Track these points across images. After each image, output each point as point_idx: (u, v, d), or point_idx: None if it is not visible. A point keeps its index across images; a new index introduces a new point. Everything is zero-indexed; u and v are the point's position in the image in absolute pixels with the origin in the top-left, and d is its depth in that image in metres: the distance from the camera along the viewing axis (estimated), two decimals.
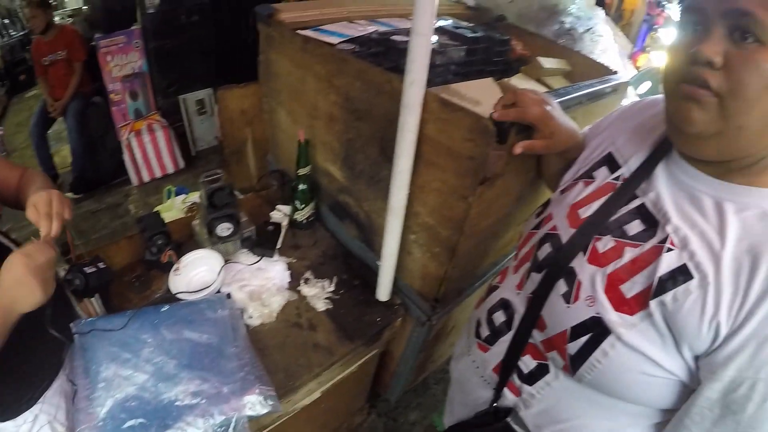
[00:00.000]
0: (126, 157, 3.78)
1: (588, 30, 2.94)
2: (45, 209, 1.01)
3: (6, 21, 7.67)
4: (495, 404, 1.01)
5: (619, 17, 6.55)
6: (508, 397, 0.98)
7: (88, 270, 1.20)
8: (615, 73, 1.61)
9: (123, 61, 3.73)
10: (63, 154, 4.41)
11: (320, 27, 1.59)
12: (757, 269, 0.62)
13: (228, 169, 2.88)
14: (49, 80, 3.83)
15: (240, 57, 3.76)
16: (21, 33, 7.47)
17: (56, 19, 3.90)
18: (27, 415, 1.11)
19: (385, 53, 1.44)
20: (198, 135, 4.31)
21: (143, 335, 1.24)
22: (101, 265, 1.24)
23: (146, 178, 3.94)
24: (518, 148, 0.98)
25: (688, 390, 0.72)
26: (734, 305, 0.63)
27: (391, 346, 1.73)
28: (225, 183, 1.40)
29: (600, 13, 3.10)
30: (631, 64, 4.11)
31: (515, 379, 0.96)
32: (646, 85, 3.86)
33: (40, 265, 0.90)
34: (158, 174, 3.98)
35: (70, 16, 5.54)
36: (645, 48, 5.03)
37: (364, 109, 1.29)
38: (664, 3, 5.56)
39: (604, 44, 3.01)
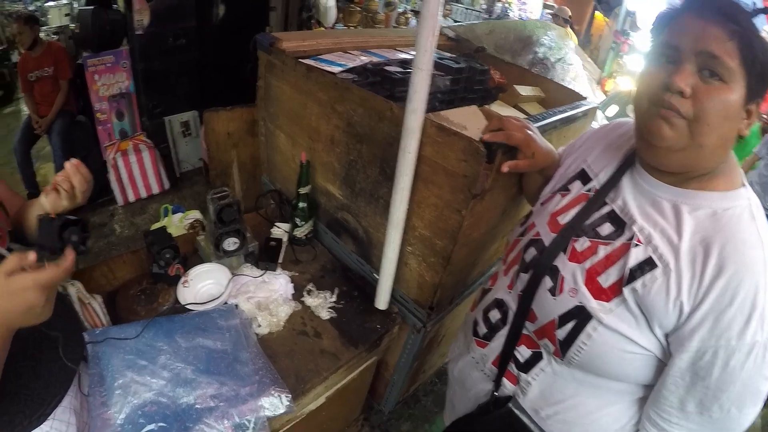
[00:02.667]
0: (112, 177, 3.77)
1: (559, 59, 3.12)
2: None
3: None
4: (495, 393, 1.12)
5: (587, 41, 6.86)
6: (507, 386, 1.09)
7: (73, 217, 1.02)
8: (585, 98, 1.76)
9: (110, 80, 3.75)
10: (43, 173, 4.37)
11: (318, 56, 1.71)
12: (709, 256, 0.77)
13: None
14: (35, 97, 3.82)
15: (225, 81, 3.84)
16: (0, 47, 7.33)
17: (41, 35, 3.89)
18: None
19: (381, 82, 1.57)
20: (182, 156, 4.31)
21: (158, 343, 1.28)
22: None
23: (132, 198, 3.92)
24: (505, 167, 1.13)
25: (662, 366, 0.85)
26: (693, 287, 0.77)
27: (386, 356, 1.82)
28: (233, 200, 1.48)
29: (570, 43, 3.30)
30: (600, 89, 4.35)
31: (513, 369, 1.07)
32: (613, 109, 4.08)
33: (53, 293, 0.88)
34: (144, 194, 3.97)
35: (54, 33, 5.51)
36: (612, 74, 5.31)
37: (366, 133, 1.40)
38: (628, 32, 5.88)
39: (575, 72, 3.19)
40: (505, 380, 1.10)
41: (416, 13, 4.85)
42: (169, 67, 3.94)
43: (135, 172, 3.83)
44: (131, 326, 1.33)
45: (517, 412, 1.07)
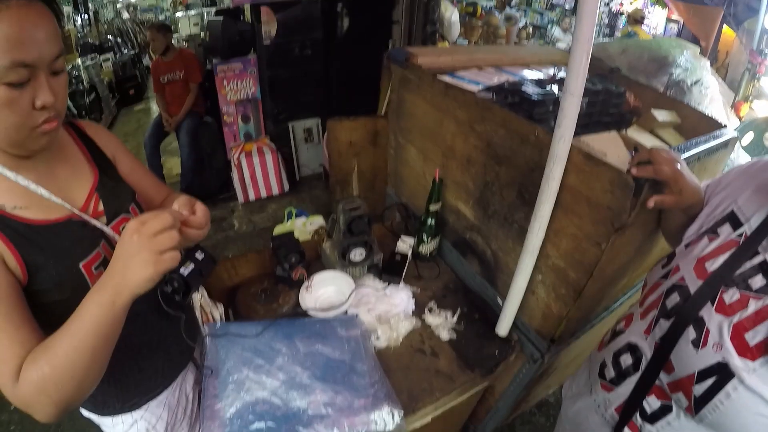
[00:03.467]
0: (234, 176, 4.00)
1: (696, 82, 2.92)
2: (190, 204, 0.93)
3: (119, 40, 8.35)
4: None
5: (714, 59, 6.35)
6: None
7: (185, 270, 0.92)
8: (724, 126, 1.62)
9: (238, 86, 3.98)
10: (168, 166, 4.74)
11: (454, 73, 1.69)
12: None
13: (332, 197, 3.02)
14: (166, 97, 4.14)
15: (348, 91, 3.95)
16: (132, 52, 8.08)
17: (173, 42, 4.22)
18: (126, 417, 1.17)
19: (520, 103, 1.53)
20: (303, 161, 4.50)
21: (277, 345, 1.31)
22: (199, 255, 0.96)
23: (252, 197, 4.14)
24: (651, 202, 1.04)
25: None
26: None
27: (494, 382, 1.76)
28: (364, 212, 1.50)
29: (706, 64, 3.07)
30: (734, 114, 4.00)
31: (637, 418, 1.00)
32: (749, 137, 3.73)
33: (153, 232, 0.75)
34: (264, 194, 4.18)
35: (185, 40, 5.97)
36: (747, 97, 4.85)
37: (505, 155, 1.37)
38: (765, 51, 5.35)
39: (711, 94, 2.97)
40: (626, 429, 1.03)
41: (536, 28, 4.76)
42: (294, 76, 4.12)
43: (257, 172, 4.04)
44: (252, 325, 1.37)
45: None
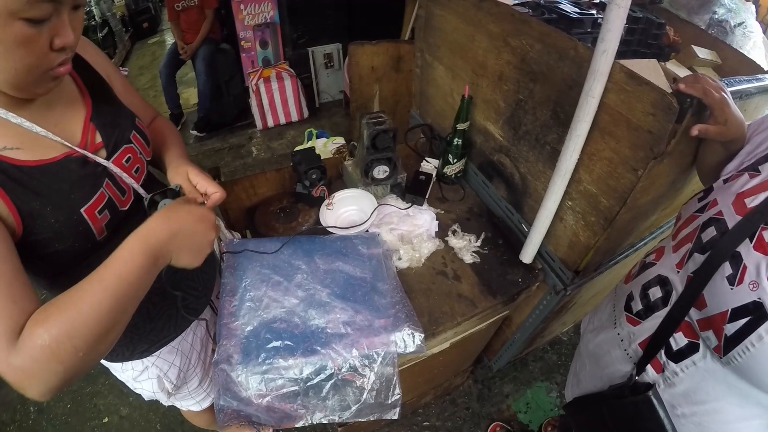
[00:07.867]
0: (253, 102, 3.94)
1: (740, 24, 2.78)
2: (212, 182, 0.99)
3: None
4: (636, 378, 1.04)
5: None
6: (649, 374, 1.01)
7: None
8: (767, 72, 1.53)
9: (255, 10, 3.86)
10: (185, 96, 4.68)
11: None
12: None
13: (352, 124, 2.96)
14: (181, 25, 3.99)
15: (370, 15, 3.81)
16: None
17: None
18: (136, 364, 1.15)
19: (556, 21, 1.45)
20: (323, 87, 4.42)
21: (296, 261, 1.27)
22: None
23: (270, 123, 4.10)
24: (695, 130, 1.00)
25: None
26: None
27: (512, 313, 1.74)
28: (389, 126, 1.43)
29: (751, 8, 2.92)
30: None
31: (661, 356, 0.98)
32: None
33: (211, 241, 0.85)
34: (282, 121, 4.13)
35: None
36: None
37: (541, 72, 1.28)
38: None
39: (755, 39, 2.83)
40: (648, 366, 1.01)
41: None
42: None
43: (276, 98, 3.97)
44: (270, 241, 1.33)
45: (655, 402, 0.98)
